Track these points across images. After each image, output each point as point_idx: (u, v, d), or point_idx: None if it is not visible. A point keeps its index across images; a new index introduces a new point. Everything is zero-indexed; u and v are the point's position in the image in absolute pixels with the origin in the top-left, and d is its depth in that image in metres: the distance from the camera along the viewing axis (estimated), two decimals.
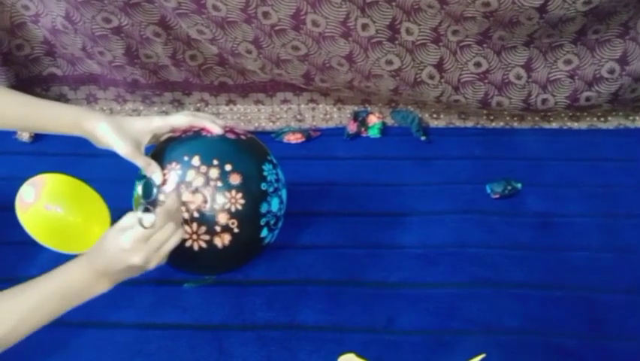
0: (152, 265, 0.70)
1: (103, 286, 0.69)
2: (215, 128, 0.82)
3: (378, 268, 0.99)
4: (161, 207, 0.72)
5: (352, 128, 1.27)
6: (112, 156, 1.31)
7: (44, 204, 0.81)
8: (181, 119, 0.81)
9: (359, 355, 0.86)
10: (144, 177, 0.79)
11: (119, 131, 0.75)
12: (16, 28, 1.21)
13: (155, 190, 0.76)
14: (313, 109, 1.31)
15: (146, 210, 0.70)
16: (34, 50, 1.25)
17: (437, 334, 0.89)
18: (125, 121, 0.77)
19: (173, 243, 0.71)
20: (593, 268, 0.97)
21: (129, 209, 0.76)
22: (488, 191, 1.11)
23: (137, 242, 0.67)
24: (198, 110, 1.33)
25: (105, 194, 1.11)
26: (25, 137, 1.29)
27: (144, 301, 0.96)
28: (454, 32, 1.09)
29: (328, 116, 1.31)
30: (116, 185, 1.19)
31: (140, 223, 0.68)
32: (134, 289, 0.97)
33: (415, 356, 0.86)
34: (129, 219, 0.69)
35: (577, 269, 0.97)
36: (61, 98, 1.32)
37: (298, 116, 1.31)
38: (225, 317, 0.93)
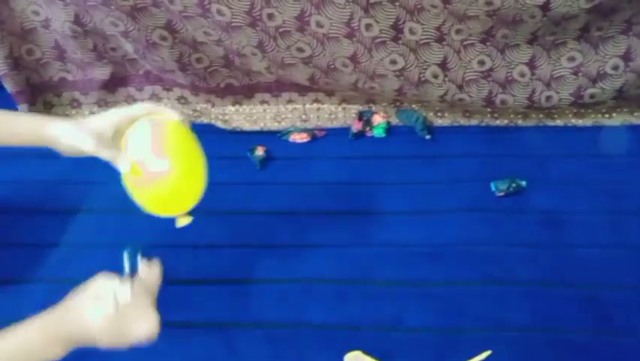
0: (118, 346, 0.59)
1: (56, 353, 0.58)
2: (174, 114, 0.78)
3: (384, 266, 1.00)
4: (139, 281, 0.61)
5: (357, 127, 1.28)
6: None
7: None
8: (140, 108, 0.77)
9: (366, 352, 0.86)
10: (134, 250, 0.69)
11: (80, 130, 0.72)
12: (27, 34, 1.23)
13: (138, 259, 0.64)
14: (318, 109, 1.32)
15: (124, 281, 0.60)
16: (44, 55, 1.26)
17: (444, 331, 0.89)
18: (84, 120, 0.74)
19: (144, 330, 0.59)
20: (598, 264, 0.97)
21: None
22: (493, 189, 1.11)
23: (107, 320, 0.58)
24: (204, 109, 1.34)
25: (118, 197, 1.12)
26: None
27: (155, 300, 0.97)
28: (458, 31, 1.09)
29: (333, 116, 1.32)
30: None
31: (114, 298, 0.58)
32: None
33: (422, 353, 0.87)
34: (104, 288, 0.59)
35: (583, 266, 0.97)
36: (73, 103, 1.33)
37: (303, 117, 1.32)
38: (233, 316, 0.94)
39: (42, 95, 1.32)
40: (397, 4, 1.05)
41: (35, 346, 0.58)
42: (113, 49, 1.24)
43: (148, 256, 0.67)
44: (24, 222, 1.12)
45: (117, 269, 1.05)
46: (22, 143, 0.75)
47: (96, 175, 1.22)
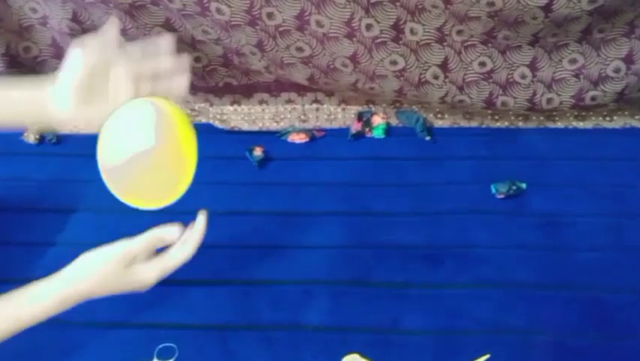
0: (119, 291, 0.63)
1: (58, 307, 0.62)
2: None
3: (382, 268, 0.99)
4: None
5: (356, 128, 1.27)
6: None
7: None
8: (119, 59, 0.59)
9: (363, 355, 0.86)
10: None
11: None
12: (24, 31, 1.22)
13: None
14: (317, 109, 1.31)
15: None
16: (42, 53, 1.26)
17: (442, 334, 0.89)
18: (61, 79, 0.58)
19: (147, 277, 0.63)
20: (599, 267, 0.97)
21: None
22: (493, 191, 1.11)
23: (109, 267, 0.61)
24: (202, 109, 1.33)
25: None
26: (31, 138, 1.30)
27: (149, 301, 0.96)
28: (459, 32, 1.09)
29: (332, 117, 1.31)
30: None
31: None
32: None
33: (420, 356, 0.86)
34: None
35: (583, 269, 0.97)
36: None
37: (302, 117, 1.31)
38: (230, 317, 0.93)
39: None
40: (398, 4, 1.05)
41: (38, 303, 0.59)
42: None
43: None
44: (21, 221, 1.12)
45: None
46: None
47: (94, 173, 1.21)
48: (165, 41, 0.60)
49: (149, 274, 0.62)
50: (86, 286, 0.61)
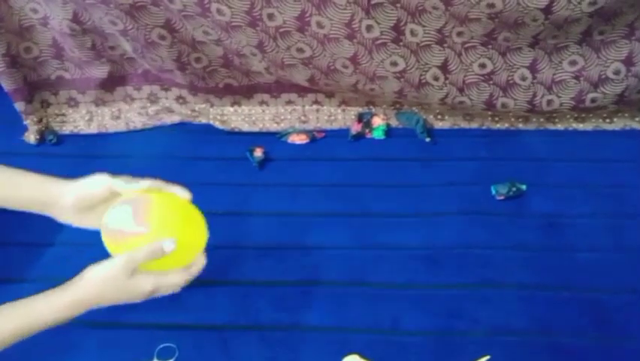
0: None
1: (63, 318, 0.63)
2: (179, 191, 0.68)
3: (382, 269, 0.99)
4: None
5: (356, 129, 1.27)
6: (120, 157, 1.32)
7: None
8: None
9: (363, 356, 0.86)
10: None
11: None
12: (25, 31, 1.22)
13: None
14: (318, 110, 1.31)
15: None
16: (42, 53, 1.26)
17: (442, 335, 0.89)
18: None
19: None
20: (598, 268, 0.97)
21: None
22: (493, 192, 1.11)
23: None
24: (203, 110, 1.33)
25: None
26: (31, 139, 1.30)
27: (150, 302, 0.96)
28: (459, 34, 1.09)
29: (332, 118, 1.31)
30: None
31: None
32: None
33: (420, 356, 0.86)
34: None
35: (582, 270, 0.97)
36: (70, 102, 1.33)
37: (302, 118, 1.31)
38: (230, 318, 0.93)
39: (39, 93, 1.31)
40: (399, 5, 1.05)
41: (40, 312, 0.62)
42: (112, 47, 1.23)
43: None
44: (21, 221, 1.11)
45: None
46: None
47: (94, 173, 1.21)
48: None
49: (145, 284, 0.65)
50: (93, 292, 0.64)
